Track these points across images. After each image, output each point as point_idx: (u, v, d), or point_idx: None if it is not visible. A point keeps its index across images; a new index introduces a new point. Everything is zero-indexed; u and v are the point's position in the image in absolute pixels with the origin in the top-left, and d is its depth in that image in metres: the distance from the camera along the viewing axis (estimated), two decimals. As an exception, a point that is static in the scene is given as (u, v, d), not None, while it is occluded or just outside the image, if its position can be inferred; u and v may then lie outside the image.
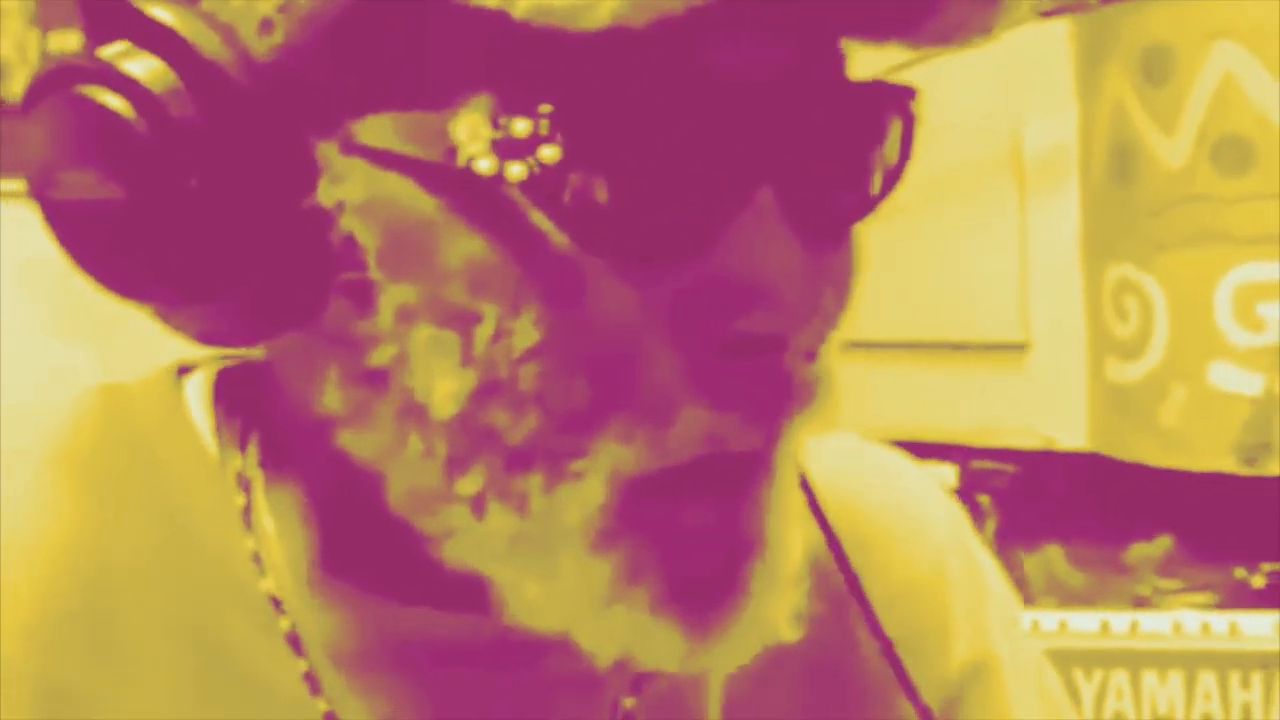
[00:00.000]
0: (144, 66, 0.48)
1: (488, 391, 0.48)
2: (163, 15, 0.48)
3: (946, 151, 2.19)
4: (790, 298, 0.47)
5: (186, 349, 0.62)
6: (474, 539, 0.50)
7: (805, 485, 0.57)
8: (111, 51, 0.48)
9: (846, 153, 0.50)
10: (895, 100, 0.51)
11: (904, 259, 2.31)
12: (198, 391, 0.60)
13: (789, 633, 0.51)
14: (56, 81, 0.49)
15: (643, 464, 0.48)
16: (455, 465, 0.49)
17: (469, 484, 0.49)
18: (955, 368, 2.34)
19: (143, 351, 0.65)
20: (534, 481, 0.48)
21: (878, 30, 0.50)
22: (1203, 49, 1.90)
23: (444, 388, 0.48)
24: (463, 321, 0.47)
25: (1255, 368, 1.89)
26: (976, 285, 2.29)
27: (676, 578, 0.49)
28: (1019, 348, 2.30)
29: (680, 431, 0.48)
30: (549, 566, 0.49)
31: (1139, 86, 1.97)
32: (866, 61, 0.51)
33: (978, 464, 2.15)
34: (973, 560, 0.69)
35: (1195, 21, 1.91)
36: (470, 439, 0.48)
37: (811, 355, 0.50)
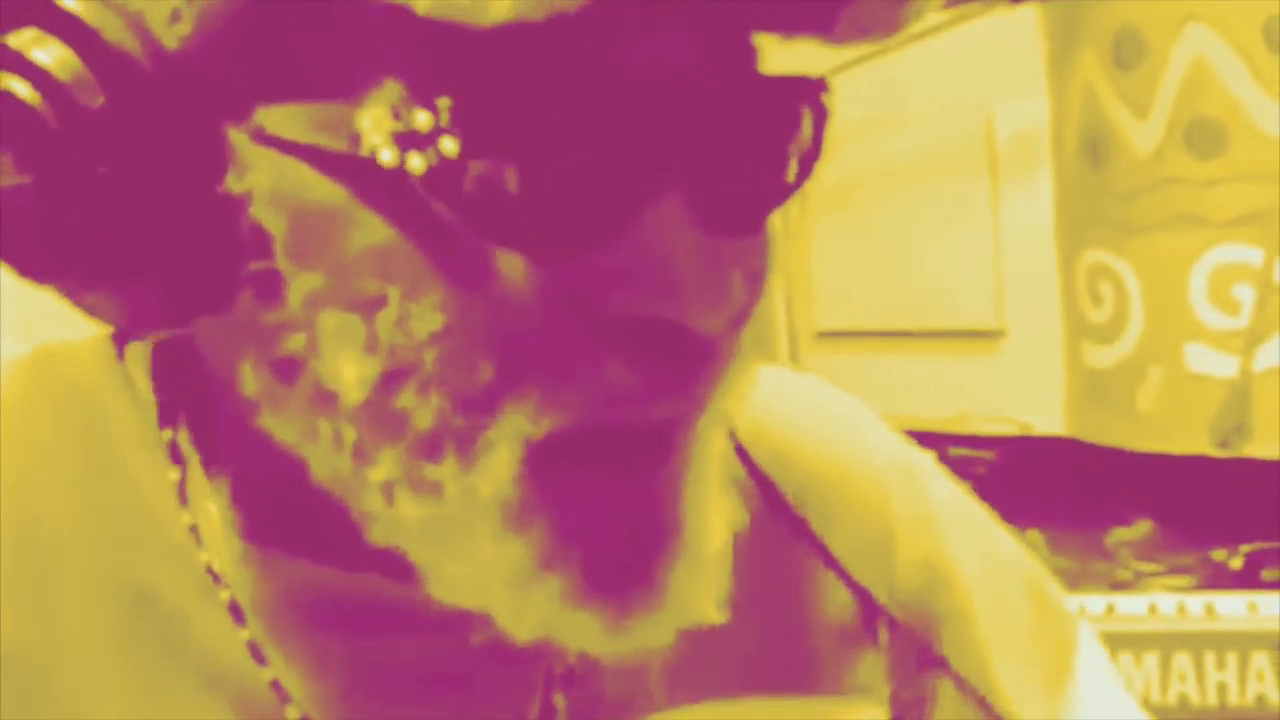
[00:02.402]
0: (51, 54, 0.48)
1: (393, 377, 0.48)
2: (70, 3, 0.48)
3: (919, 138, 2.19)
4: (693, 286, 0.47)
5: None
6: (389, 523, 0.50)
7: (732, 433, 0.58)
8: (19, 39, 0.48)
9: (755, 147, 0.50)
10: (806, 93, 0.51)
11: (877, 248, 2.31)
12: (137, 358, 0.60)
13: (713, 614, 0.52)
14: None
15: (547, 426, 0.48)
16: (363, 453, 0.49)
17: (378, 471, 0.49)
18: (931, 356, 2.34)
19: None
20: (447, 466, 0.48)
21: (786, 25, 0.50)
22: (1173, 33, 1.91)
23: (350, 374, 0.48)
24: (367, 307, 0.48)
25: (1230, 350, 1.90)
26: (951, 273, 2.29)
27: (593, 560, 0.49)
28: (994, 334, 2.31)
29: (582, 395, 0.48)
30: (466, 547, 0.50)
31: (1110, 71, 1.97)
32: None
33: (955, 451, 2.15)
34: (916, 477, 0.69)
35: (1165, 5, 1.92)
36: (377, 426, 0.49)
37: (722, 338, 0.50)
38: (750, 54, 0.51)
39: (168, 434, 0.57)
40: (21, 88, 0.48)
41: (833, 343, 2.35)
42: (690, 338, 0.48)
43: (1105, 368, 2.04)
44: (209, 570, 0.56)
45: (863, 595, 0.60)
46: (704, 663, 0.60)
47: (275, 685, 0.55)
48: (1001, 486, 2.15)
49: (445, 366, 0.47)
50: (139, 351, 0.60)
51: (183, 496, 0.57)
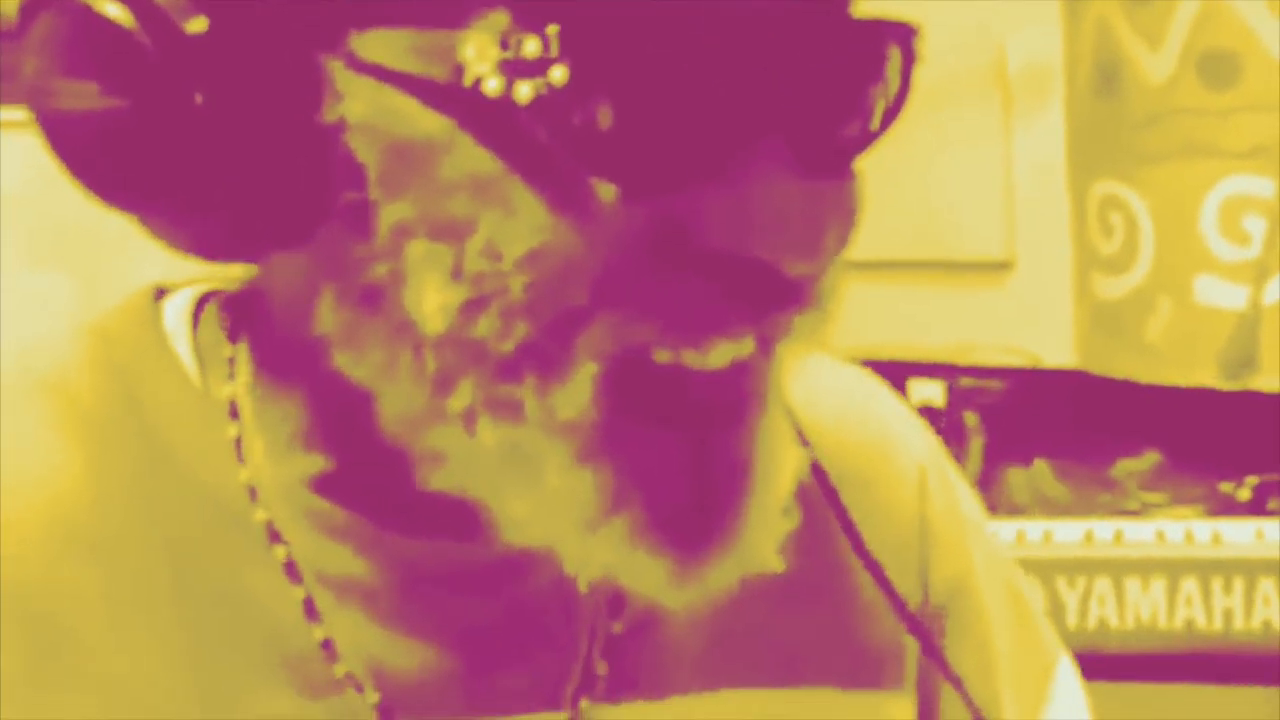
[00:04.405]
0: None
1: (476, 304, 0.48)
2: None
3: (929, 67, 2.17)
4: (786, 228, 0.48)
5: (161, 275, 0.61)
6: (464, 458, 0.50)
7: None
8: None
9: (848, 88, 0.51)
10: (896, 37, 0.51)
11: (887, 178, 2.30)
12: (177, 317, 0.59)
13: (775, 563, 0.52)
14: None
15: (627, 347, 0.48)
16: (445, 382, 0.49)
17: (459, 399, 0.49)
18: (941, 286, 2.33)
19: (120, 277, 0.64)
20: (526, 387, 0.48)
21: None
22: (1188, -38, 1.89)
23: (433, 302, 0.48)
24: (455, 234, 0.48)
25: (1241, 281, 1.89)
26: (961, 203, 2.28)
27: (662, 503, 0.50)
28: (1004, 265, 2.30)
29: (665, 322, 0.48)
30: (535, 480, 0.50)
31: (1124, 1, 1.96)
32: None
33: (965, 382, 2.15)
34: (948, 481, 0.70)
35: (1179, -66, 1.90)
36: (459, 354, 0.49)
37: (807, 281, 0.50)
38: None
39: (224, 389, 0.57)
40: (116, 10, 0.47)
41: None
42: (778, 278, 0.48)
43: (1115, 299, 2.03)
44: (266, 528, 0.56)
45: (894, 598, 0.60)
46: (739, 649, 0.61)
47: (326, 644, 0.55)
48: (1010, 417, 2.16)
49: (532, 291, 0.47)
50: (179, 309, 0.60)
51: (239, 453, 0.56)
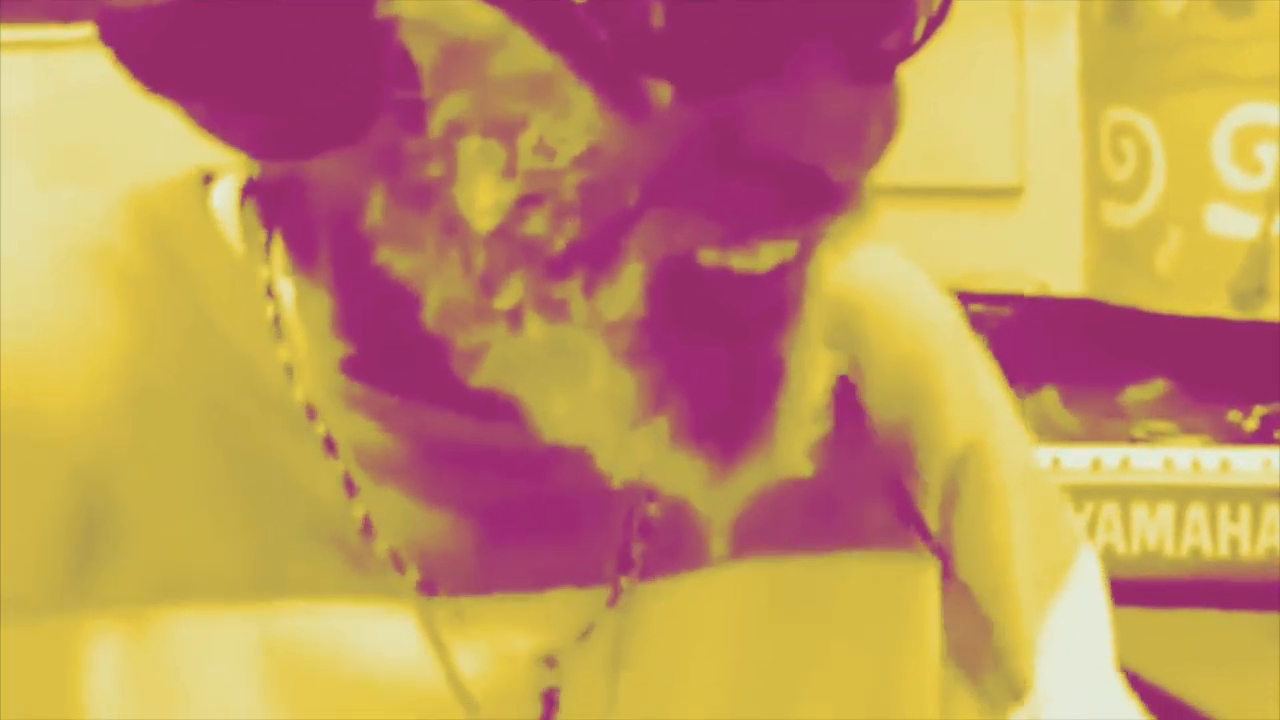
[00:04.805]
0: None
1: (528, 201, 0.48)
2: None
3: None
4: (834, 131, 0.48)
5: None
6: (508, 354, 0.51)
7: None
8: None
9: None
10: None
11: (900, 102, 2.29)
12: (224, 198, 0.60)
13: (804, 468, 0.53)
14: None
15: (676, 249, 0.49)
16: (493, 278, 0.50)
17: (507, 296, 0.50)
18: (950, 212, 2.33)
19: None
20: (574, 286, 0.49)
21: None
22: (1204, -114, 1.88)
23: (486, 199, 0.49)
24: (509, 132, 0.48)
25: (1252, 210, 1.89)
26: (972, 128, 2.28)
27: (701, 406, 0.50)
28: (1015, 192, 2.29)
29: (714, 222, 0.49)
30: (578, 379, 0.50)
31: (1139, -74, 1.94)
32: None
33: (973, 309, 2.15)
34: (962, 342, 0.71)
35: None
36: (509, 251, 0.49)
37: (851, 185, 0.50)
38: None
39: (265, 271, 0.58)
40: None
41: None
42: (824, 180, 0.48)
43: (1126, 227, 2.03)
44: (305, 406, 0.56)
45: (915, 518, 0.61)
46: (767, 518, 0.61)
47: (365, 520, 0.56)
48: (1018, 344, 2.16)
49: (584, 190, 0.48)
50: (225, 192, 0.60)
51: (278, 332, 0.56)
